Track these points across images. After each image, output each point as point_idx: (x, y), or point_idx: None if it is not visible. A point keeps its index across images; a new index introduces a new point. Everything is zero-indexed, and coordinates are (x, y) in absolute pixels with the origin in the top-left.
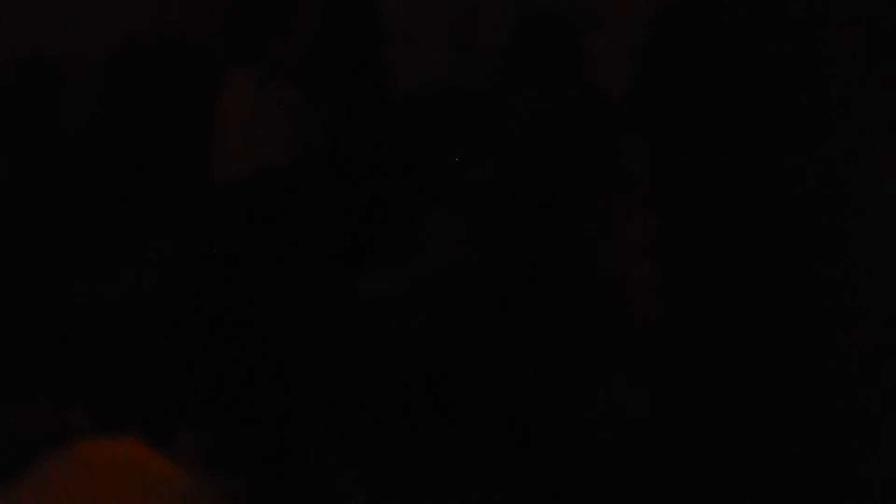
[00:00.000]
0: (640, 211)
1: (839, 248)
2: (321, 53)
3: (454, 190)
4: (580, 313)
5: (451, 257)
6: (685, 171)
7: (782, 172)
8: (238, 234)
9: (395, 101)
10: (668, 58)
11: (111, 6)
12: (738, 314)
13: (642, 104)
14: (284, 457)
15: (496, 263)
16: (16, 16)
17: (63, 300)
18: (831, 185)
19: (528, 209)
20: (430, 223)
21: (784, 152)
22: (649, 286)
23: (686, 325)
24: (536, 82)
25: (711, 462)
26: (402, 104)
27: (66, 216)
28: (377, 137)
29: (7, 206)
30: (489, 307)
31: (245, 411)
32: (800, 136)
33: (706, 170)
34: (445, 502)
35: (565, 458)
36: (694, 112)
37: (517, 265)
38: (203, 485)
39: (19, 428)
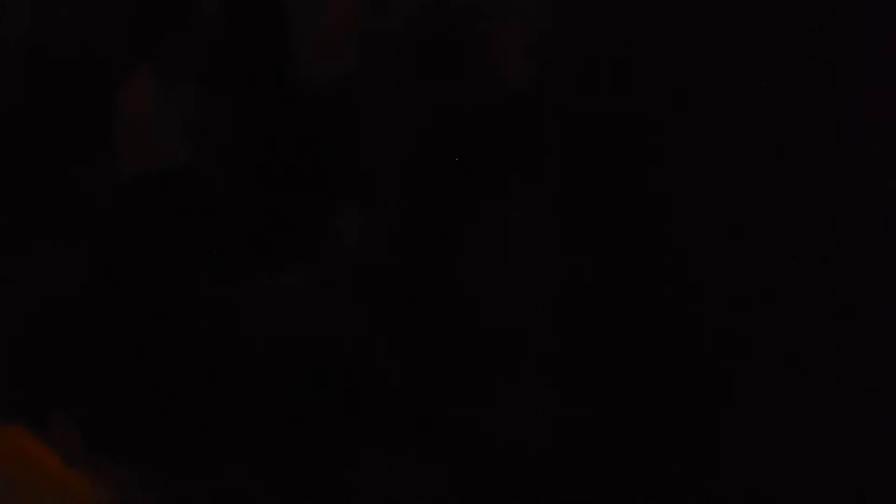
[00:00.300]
0: (543, 209)
1: (740, 245)
2: (223, 48)
3: (361, 186)
4: (483, 311)
5: (358, 254)
6: (593, 169)
7: (691, 166)
8: (135, 232)
9: (301, 96)
10: (574, 54)
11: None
12: (638, 314)
13: (549, 101)
14: (178, 451)
15: (402, 260)
16: None
17: None
18: (736, 182)
19: (430, 206)
20: (336, 220)
21: (693, 145)
22: (548, 286)
23: (586, 325)
24: (437, 77)
25: (613, 459)
26: (307, 99)
27: None
28: (282, 133)
29: None
30: (395, 304)
31: (129, 400)
32: (714, 130)
33: (614, 168)
34: (354, 501)
35: (475, 458)
36: (599, 108)
37: (422, 262)
38: (84, 476)
39: None
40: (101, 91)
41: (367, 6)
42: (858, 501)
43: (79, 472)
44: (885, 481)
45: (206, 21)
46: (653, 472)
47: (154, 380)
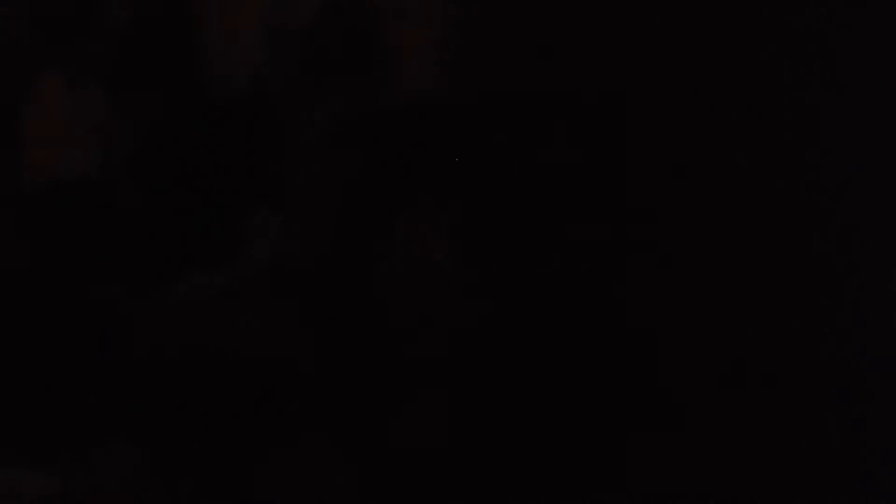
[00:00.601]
0: (455, 212)
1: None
2: (132, 51)
3: (274, 190)
4: (394, 314)
5: (273, 258)
6: (505, 173)
7: (608, 171)
8: (43, 239)
9: (212, 100)
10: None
11: None
12: (548, 323)
13: (457, 103)
14: (82, 454)
15: (314, 263)
16: None
17: None
18: (655, 190)
19: (342, 210)
20: (249, 224)
21: (610, 149)
22: (458, 289)
23: (493, 332)
24: (343, 78)
25: (517, 465)
26: (218, 101)
27: None
28: (193, 136)
29: None
30: (308, 307)
31: (32, 405)
32: (623, 133)
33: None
34: (269, 500)
35: (388, 457)
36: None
37: (334, 265)
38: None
39: None
40: (6, 97)
41: (275, 3)
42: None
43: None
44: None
45: (114, 24)
46: (554, 479)
47: (61, 384)
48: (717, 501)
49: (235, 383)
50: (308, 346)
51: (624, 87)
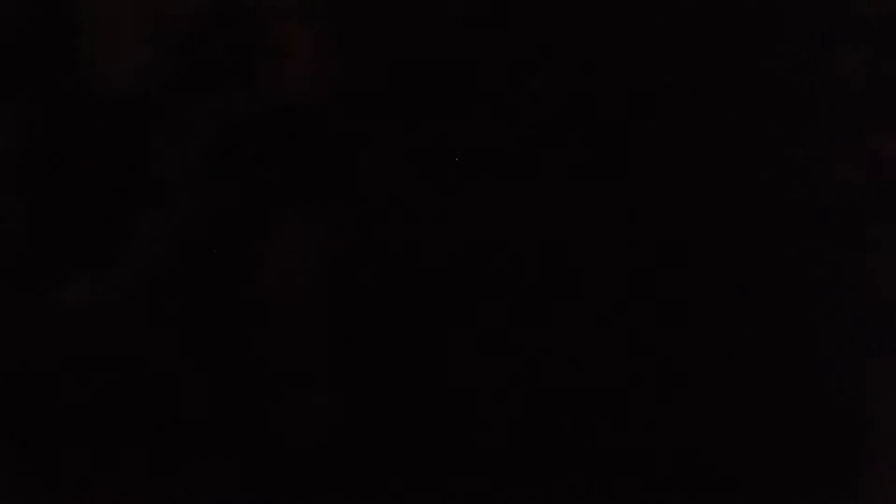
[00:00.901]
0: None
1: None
2: (9, 51)
3: (159, 192)
4: (274, 316)
5: (158, 261)
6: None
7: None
8: None
9: (93, 101)
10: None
11: None
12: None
13: (341, 106)
14: None
15: (193, 268)
16: None
17: None
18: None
19: (221, 214)
20: (136, 227)
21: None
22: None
23: (371, 332)
24: (220, 82)
25: (402, 463)
26: (100, 104)
27: None
28: (74, 139)
29: None
30: (187, 313)
31: None
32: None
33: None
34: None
35: (266, 458)
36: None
37: (213, 269)
38: None
39: None
40: None
41: (158, 3)
42: None
43: None
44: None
45: None
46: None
47: None
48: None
49: (116, 390)
50: (189, 349)
51: (510, 87)
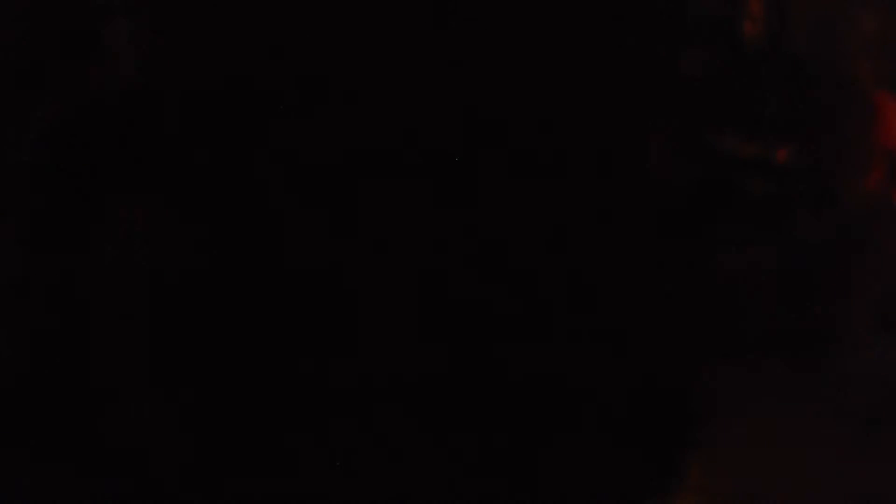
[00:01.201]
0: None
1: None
2: None
3: None
4: (102, 308)
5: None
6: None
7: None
8: None
9: None
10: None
11: None
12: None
13: (167, 94)
14: None
15: (26, 258)
16: None
17: None
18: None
19: (54, 206)
20: None
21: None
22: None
23: (204, 330)
24: (53, 77)
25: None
26: None
27: None
28: None
29: None
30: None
31: None
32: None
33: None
34: None
35: (99, 461)
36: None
37: (45, 263)
38: None
39: None
40: None
41: None
42: None
43: None
44: None
45: None
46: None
47: None
48: None
49: None
50: (20, 341)
51: (359, 86)
